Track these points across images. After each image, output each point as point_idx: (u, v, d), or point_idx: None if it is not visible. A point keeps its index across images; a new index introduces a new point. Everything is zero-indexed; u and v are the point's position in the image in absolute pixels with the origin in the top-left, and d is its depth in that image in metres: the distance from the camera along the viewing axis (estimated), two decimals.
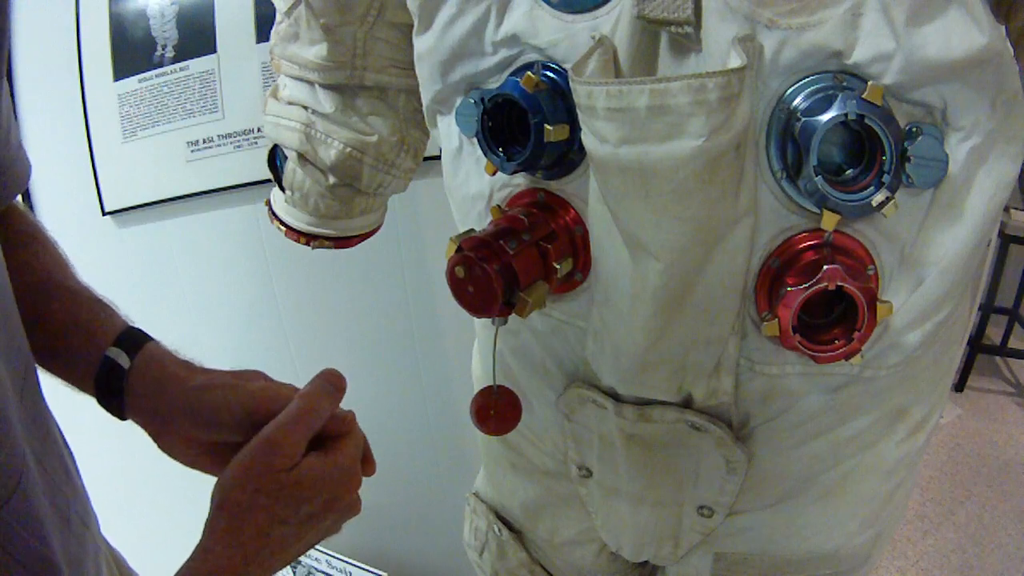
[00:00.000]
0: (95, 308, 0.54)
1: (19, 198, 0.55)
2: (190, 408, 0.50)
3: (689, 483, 0.67)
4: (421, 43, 0.60)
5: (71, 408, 0.56)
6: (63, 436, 0.51)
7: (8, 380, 0.40)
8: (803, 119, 0.45)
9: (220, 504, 0.45)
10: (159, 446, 0.52)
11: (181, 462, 0.52)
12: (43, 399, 0.48)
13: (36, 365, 0.47)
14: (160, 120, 1.24)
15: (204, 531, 0.44)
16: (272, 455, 0.45)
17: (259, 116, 0.94)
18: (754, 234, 0.50)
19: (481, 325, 0.75)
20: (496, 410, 0.62)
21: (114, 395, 0.51)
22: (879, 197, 0.45)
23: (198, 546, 0.44)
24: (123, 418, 0.52)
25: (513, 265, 0.51)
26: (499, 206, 0.59)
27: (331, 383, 0.50)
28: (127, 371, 0.50)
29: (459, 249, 0.52)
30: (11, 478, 0.38)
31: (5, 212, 0.54)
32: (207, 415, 0.49)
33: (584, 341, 0.61)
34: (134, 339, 0.52)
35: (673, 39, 0.48)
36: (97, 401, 0.52)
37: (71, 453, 0.52)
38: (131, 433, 0.52)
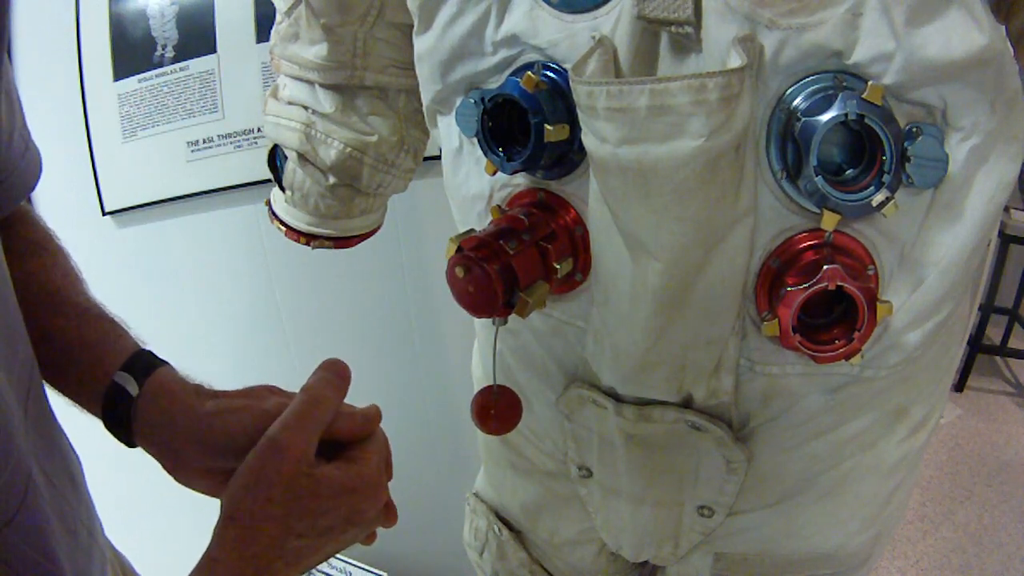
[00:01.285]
0: (104, 327, 0.50)
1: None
2: (202, 438, 0.46)
3: (689, 483, 0.67)
4: (421, 43, 0.60)
5: (75, 409, 0.56)
6: (70, 444, 0.49)
7: (12, 393, 0.39)
8: (803, 119, 0.45)
9: (230, 515, 0.41)
10: (177, 480, 0.48)
11: (204, 493, 0.48)
12: (49, 408, 0.46)
13: (41, 376, 0.46)
14: (160, 120, 1.24)
15: (212, 540, 0.41)
16: (280, 459, 0.42)
17: (259, 116, 0.94)
18: (754, 234, 0.50)
19: (481, 325, 0.75)
20: (496, 410, 0.62)
21: (122, 422, 0.47)
22: (879, 197, 0.45)
23: (206, 555, 0.40)
24: (132, 446, 0.48)
25: (513, 265, 0.51)
26: (499, 206, 0.59)
27: (334, 373, 0.48)
28: (135, 398, 0.47)
29: (459, 249, 0.52)
30: (15, 496, 0.37)
31: (14, 217, 0.51)
32: (222, 443, 0.46)
33: (584, 341, 0.61)
34: (144, 363, 0.48)
35: (673, 39, 0.48)
36: (105, 427, 0.48)
37: (78, 460, 0.50)
38: None
